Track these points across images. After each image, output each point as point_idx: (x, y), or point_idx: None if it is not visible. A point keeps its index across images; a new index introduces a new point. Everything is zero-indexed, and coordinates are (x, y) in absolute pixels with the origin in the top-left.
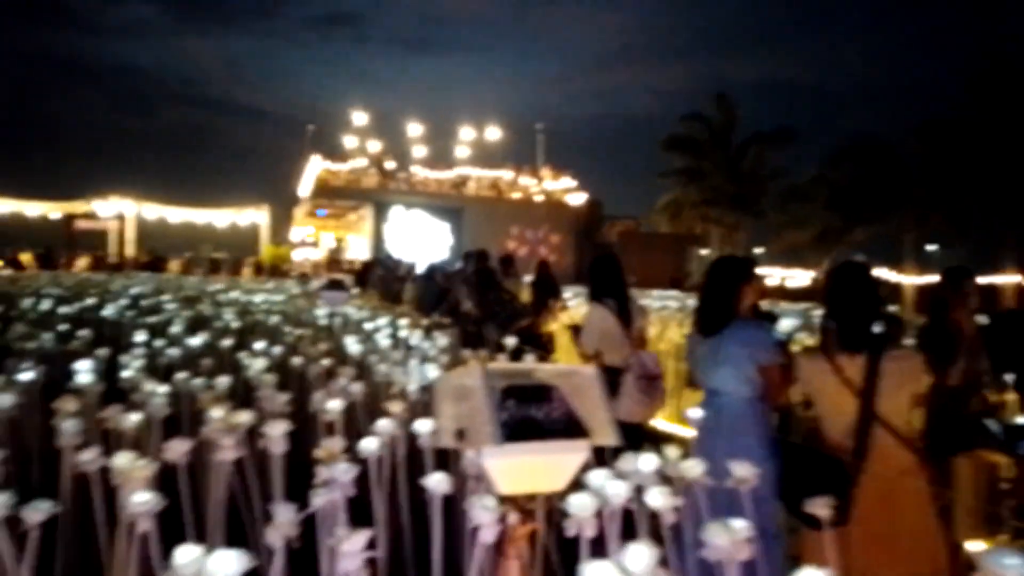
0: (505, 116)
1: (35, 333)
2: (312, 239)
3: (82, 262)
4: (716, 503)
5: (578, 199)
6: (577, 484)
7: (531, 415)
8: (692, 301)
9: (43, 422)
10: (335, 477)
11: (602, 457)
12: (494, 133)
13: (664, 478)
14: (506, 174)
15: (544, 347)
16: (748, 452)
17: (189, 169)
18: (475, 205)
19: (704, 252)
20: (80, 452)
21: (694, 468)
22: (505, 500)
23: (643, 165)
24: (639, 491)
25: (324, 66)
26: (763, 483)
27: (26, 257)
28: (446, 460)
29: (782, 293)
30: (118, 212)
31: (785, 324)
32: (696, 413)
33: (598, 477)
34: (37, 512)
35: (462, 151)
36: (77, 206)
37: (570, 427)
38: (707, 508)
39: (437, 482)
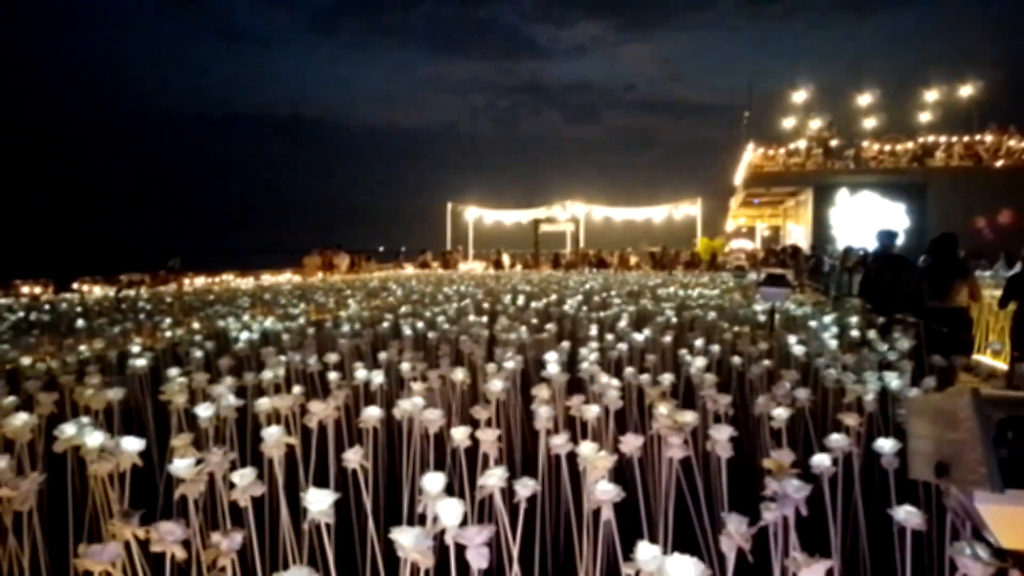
0: (986, 67)
1: (514, 326)
2: (747, 229)
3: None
4: None
5: None
6: None
7: None
8: None
9: (524, 405)
10: (787, 493)
11: None
12: (968, 90)
13: None
14: (987, 137)
15: None
16: None
17: (631, 169)
18: (943, 178)
19: None
20: (552, 436)
21: None
22: (1005, 554)
23: None
24: None
25: (759, 48)
26: None
27: (506, 258)
28: (913, 487)
29: None
30: (572, 215)
31: None
32: None
33: None
34: (525, 488)
35: (925, 116)
36: (542, 212)
37: None
38: None
39: (908, 515)
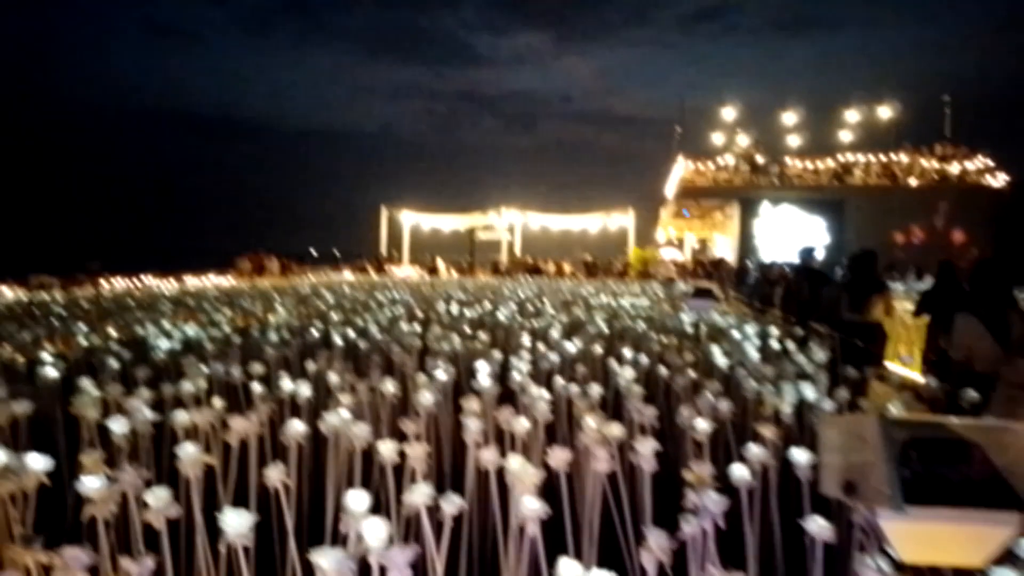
0: (900, 91)
1: (447, 335)
2: (677, 240)
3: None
4: None
5: (997, 181)
6: (1006, 555)
7: (942, 474)
8: None
9: (454, 416)
10: (706, 506)
11: None
12: (886, 112)
13: None
14: (902, 158)
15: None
16: None
17: (567, 179)
18: (860, 196)
19: None
20: (481, 449)
21: None
22: (906, 568)
23: None
24: None
25: (692, 65)
26: None
27: (441, 264)
28: (826, 499)
29: None
30: (509, 223)
31: None
32: None
33: None
34: (451, 505)
35: (845, 136)
36: (478, 219)
37: (995, 494)
38: None
39: (819, 528)
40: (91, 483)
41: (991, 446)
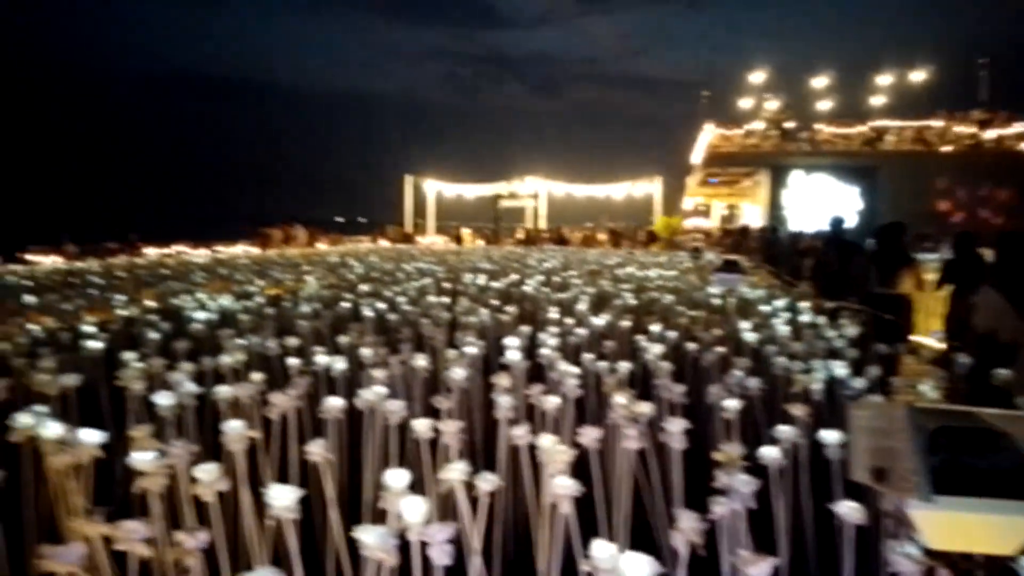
0: (936, 54)
1: (475, 308)
2: (704, 208)
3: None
4: None
5: None
6: None
7: (971, 464)
8: None
9: (484, 390)
10: (736, 487)
11: None
12: (919, 76)
13: None
14: (936, 123)
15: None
16: None
17: (592, 144)
18: (893, 162)
19: None
20: (512, 426)
21: None
22: (935, 554)
23: None
24: None
25: (718, 24)
26: None
27: (466, 233)
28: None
29: None
30: (534, 191)
31: None
32: None
33: None
34: (487, 483)
35: (878, 101)
36: (502, 187)
37: None
38: None
39: (849, 511)
40: (143, 458)
41: (1021, 436)
